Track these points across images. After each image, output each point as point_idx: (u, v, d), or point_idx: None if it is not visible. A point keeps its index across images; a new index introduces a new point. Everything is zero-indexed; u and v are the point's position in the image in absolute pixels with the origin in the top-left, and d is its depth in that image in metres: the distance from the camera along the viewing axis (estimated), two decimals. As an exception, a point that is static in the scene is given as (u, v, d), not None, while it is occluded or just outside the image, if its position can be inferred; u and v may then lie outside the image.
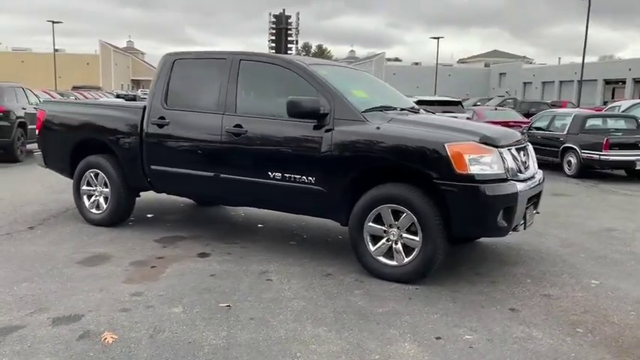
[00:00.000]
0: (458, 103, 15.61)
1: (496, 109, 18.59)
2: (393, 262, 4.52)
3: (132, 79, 78.65)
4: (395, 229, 4.49)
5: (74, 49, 69.85)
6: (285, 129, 4.92)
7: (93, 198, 6.23)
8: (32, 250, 5.18)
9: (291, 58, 5.14)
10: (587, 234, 6.49)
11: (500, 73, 71.15)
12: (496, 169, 4.34)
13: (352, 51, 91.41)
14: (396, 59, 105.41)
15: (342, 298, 4.12)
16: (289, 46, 25.91)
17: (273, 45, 25.77)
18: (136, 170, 5.83)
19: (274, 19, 25.69)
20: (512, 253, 5.55)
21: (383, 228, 4.53)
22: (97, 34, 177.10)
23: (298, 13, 25.40)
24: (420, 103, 14.90)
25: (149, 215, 6.80)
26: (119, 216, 6.14)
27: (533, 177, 4.93)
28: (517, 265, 5.15)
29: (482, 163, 4.28)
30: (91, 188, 6.22)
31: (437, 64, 54.27)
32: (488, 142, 4.38)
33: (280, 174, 4.95)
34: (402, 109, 5.25)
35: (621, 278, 4.83)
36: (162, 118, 5.62)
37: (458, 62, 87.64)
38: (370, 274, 4.60)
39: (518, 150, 4.79)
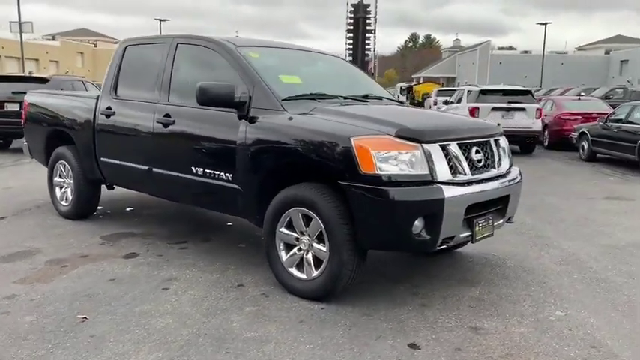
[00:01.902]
0: (527, 93, 14.05)
1: (579, 98, 16.60)
2: (304, 276, 3.86)
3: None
4: (306, 237, 3.83)
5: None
6: (208, 120, 4.41)
7: (62, 190, 6.13)
8: (-28, 242, 5.12)
9: (221, 40, 4.60)
10: (606, 248, 5.34)
11: (622, 61, 64.62)
12: (416, 170, 3.53)
13: (457, 40, 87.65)
14: (510, 48, 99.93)
15: (222, 317, 3.55)
16: (367, 35, 25.07)
17: (351, 35, 25.09)
18: (90, 162, 5.62)
19: (352, 9, 24.99)
20: (484, 269, 4.63)
21: (295, 235, 3.89)
22: (211, 31, 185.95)
23: (377, 1, 24.38)
24: (484, 92, 13.69)
25: (128, 209, 6.60)
26: (82, 209, 5.97)
27: (494, 178, 4.02)
28: (477, 285, 4.25)
29: (397, 162, 3.50)
30: (61, 180, 6.11)
31: (543, 51, 50.37)
32: (407, 135, 3.57)
33: (202, 169, 4.45)
34: (351, 99, 4.52)
35: (599, 310, 3.80)
36: (109, 108, 5.35)
37: (576, 50, 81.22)
38: (284, 287, 3.98)
39: (472, 145, 3.91)
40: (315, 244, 3.76)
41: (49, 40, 60.29)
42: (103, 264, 4.56)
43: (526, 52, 71.01)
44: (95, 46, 66.33)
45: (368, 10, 24.24)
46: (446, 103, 16.62)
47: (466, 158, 3.83)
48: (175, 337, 3.25)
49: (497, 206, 4.13)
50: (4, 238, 5.29)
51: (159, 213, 6.44)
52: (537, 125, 13.49)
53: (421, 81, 53.82)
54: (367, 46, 24.78)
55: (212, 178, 4.38)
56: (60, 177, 6.13)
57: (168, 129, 4.70)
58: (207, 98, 4.08)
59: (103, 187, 5.95)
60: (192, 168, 4.51)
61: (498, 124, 4.63)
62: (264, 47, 4.85)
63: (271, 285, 4.06)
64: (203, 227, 5.83)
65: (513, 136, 13.31)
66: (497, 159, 4.13)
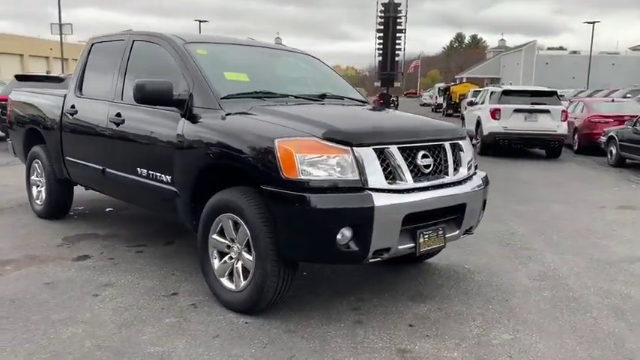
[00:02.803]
0: (552, 94, 13.32)
1: (613, 100, 15.70)
2: (233, 287, 3.62)
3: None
4: (237, 246, 3.58)
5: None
6: (152, 119, 4.23)
7: (37, 189, 6.08)
8: None
9: (171, 36, 4.40)
10: (595, 263, 4.87)
11: (679, 61, 61.59)
12: (345, 175, 3.22)
13: (502, 40, 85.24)
14: (560, 48, 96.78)
15: (135, 328, 3.34)
16: (398, 35, 24.53)
17: (381, 35, 24.60)
18: (58, 161, 5.54)
19: (382, 8, 24.53)
20: (446, 283, 4.27)
21: (227, 243, 3.64)
22: (252, 32, 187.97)
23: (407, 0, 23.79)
24: (506, 93, 13.12)
25: (108, 209, 6.51)
26: (54, 209, 5.90)
27: (445, 185, 3.67)
28: (429, 300, 3.91)
29: (323, 166, 3.20)
30: (37, 179, 6.07)
31: (591, 51, 48.34)
32: (336, 138, 3.27)
33: (146, 171, 4.28)
34: (303, 98, 4.24)
35: (554, 335, 3.40)
36: (73, 106, 5.25)
37: (630, 50, 77.80)
38: (216, 298, 3.75)
39: (419, 149, 3.57)
40: (244, 253, 3.51)
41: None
42: (49, 266, 4.44)
43: (575, 52, 68.57)
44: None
45: (399, 9, 23.71)
46: (470, 104, 16.05)
47: (410, 163, 3.50)
48: (74, 349, 3.06)
49: (450, 216, 3.77)
50: (-31, 236, 5.26)
51: (136, 214, 6.31)
52: (563, 128, 12.80)
53: (464, 81, 52.66)
54: (398, 46, 24.23)
55: (154, 180, 4.20)
56: (36, 176, 6.08)
57: (119, 128, 4.54)
58: (144, 96, 3.89)
59: (82, 187, 5.83)
60: (137, 169, 4.34)
61: (462, 126, 4.24)
62: (217, 44, 4.63)
63: (206, 295, 3.83)
64: (173, 230, 5.65)
65: (537, 140, 12.73)
66: (451, 164, 3.77)
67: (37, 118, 5.83)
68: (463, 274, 4.49)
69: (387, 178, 3.36)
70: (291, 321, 3.48)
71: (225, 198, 3.55)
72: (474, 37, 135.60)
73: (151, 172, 4.22)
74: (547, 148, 13.17)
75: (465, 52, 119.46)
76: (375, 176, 3.30)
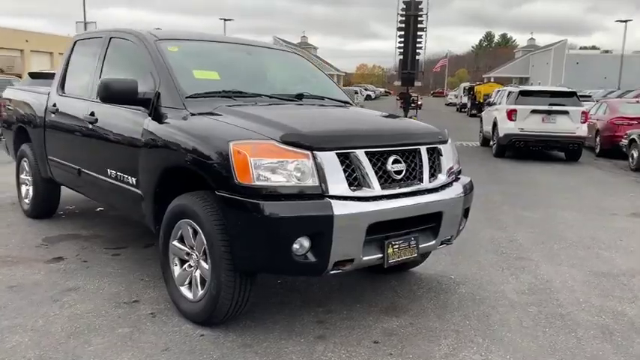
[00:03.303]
0: (572, 95, 12.82)
1: (638, 101, 15.08)
2: (191, 296, 3.45)
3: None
4: (195, 253, 3.41)
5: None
6: (121, 119, 4.08)
7: (26, 188, 6.02)
8: None
9: (143, 32, 4.24)
10: (593, 276, 4.57)
11: None
12: (304, 181, 3.02)
13: (532, 39, 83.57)
14: (593, 47, 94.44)
15: (84, 338, 3.19)
16: (419, 34, 24.09)
17: (402, 34, 24.19)
18: (42, 160, 5.45)
19: (404, 6, 24.09)
20: (425, 296, 4.03)
21: (186, 249, 3.47)
22: (279, 31, 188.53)
23: (429, -2, 23.34)
24: (524, 94, 12.71)
25: (99, 209, 6.42)
26: (40, 208, 5.83)
27: (418, 193, 3.43)
28: (403, 315, 3.68)
29: (279, 171, 3.00)
30: (26, 178, 6.01)
31: (623, 50, 46.98)
32: (295, 141, 3.07)
33: (115, 172, 4.14)
34: (278, 98, 4.05)
35: (528, 356, 3.13)
36: (54, 105, 5.15)
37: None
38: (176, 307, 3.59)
39: (390, 154, 3.34)
40: (202, 262, 3.34)
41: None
42: (19, 268, 4.34)
43: (607, 51, 66.85)
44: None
45: (420, 7, 23.29)
46: (488, 104, 15.64)
47: (379, 169, 3.28)
48: (14, 360, 2.92)
49: (425, 225, 3.54)
50: (-49, 235, 5.21)
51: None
52: (582, 130, 12.32)
53: (491, 81, 51.73)
54: (418, 45, 23.80)
55: (121, 182, 4.07)
56: (25, 175, 6.03)
57: (92, 127, 4.42)
58: (108, 95, 3.75)
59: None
60: (107, 170, 4.22)
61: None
62: (194, 41, 4.46)
63: (167, 303, 3.67)
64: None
65: (555, 142, 12.31)
66: (426, 170, 3.53)
67: (25, 116, 5.77)
68: (447, 286, 4.24)
69: (351, 184, 3.15)
70: (250, 334, 3.30)
71: (183, 203, 3.38)
72: (503, 36, 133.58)
73: (119, 174, 4.09)
74: (566, 150, 12.70)
75: (494, 52, 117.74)
76: (337, 183, 3.09)
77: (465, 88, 42.98)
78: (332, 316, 3.59)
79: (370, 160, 3.24)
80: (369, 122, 3.84)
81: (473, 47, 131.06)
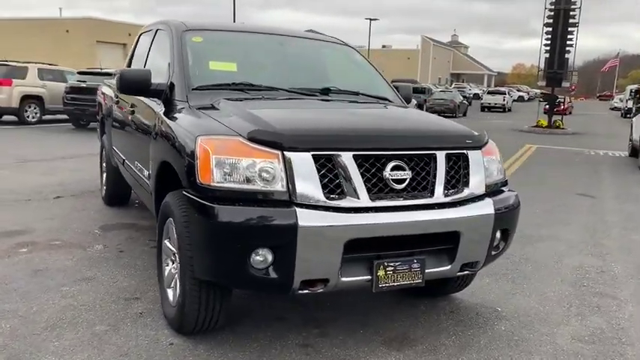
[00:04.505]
0: None
1: None
2: (172, 299, 3.23)
3: (451, 73, 79.00)
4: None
5: (408, 45, 73.75)
6: (148, 109, 4.00)
7: (104, 176, 6.32)
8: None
9: (173, 23, 4.12)
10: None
11: None
12: (271, 185, 2.64)
13: None
14: None
15: (59, 332, 3.12)
16: (569, 29, 21.73)
17: (549, 30, 22.03)
18: (110, 149, 5.66)
19: (553, 0, 21.92)
20: (454, 329, 3.41)
21: (174, 250, 3.26)
22: (437, 31, 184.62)
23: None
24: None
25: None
26: (112, 195, 6.06)
27: (425, 207, 2.86)
28: (407, 348, 3.11)
29: (244, 172, 2.65)
30: (104, 166, 6.31)
31: None
32: (264, 138, 2.69)
33: (139, 164, 4.11)
34: (296, 92, 3.66)
35: None
36: (116, 96, 5.29)
37: None
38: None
39: (390, 159, 2.82)
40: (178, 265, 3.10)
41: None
42: (57, 253, 4.48)
43: None
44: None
45: (573, 0, 21.15)
46: (638, 110, 13.60)
47: (373, 176, 2.77)
48: (-20, 346, 2.93)
49: (436, 246, 2.95)
50: (30, 215, 5.59)
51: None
52: None
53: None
54: (569, 41, 21.60)
55: (141, 173, 4.01)
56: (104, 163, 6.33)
57: (130, 119, 4.42)
58: (123, 85, 3.66)
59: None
60: (135, 161, 4.18)
61: (479, 132, 3.28)
62: (221, 31, 4.23)
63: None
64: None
65: None
66: (441, 180, 2.93)
67: (102, 109, 6.04)
68: (485, 320, 3.56)
69: (332, 192, 2.69)
70: (221, 350, 2.99)
71: (167, 201, 3.17)
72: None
73: (140, 166, 4.03)
74: None
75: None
76: (310, 189, 2.65)
77: (631, 91, 38.40)
78: (321, 341, 3.14)
79: (361, 166, 2.75)
80: (371, 122, 3.29)
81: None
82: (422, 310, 3.67)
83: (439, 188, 2.92)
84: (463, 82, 72.28)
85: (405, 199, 2.85)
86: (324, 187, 2.67)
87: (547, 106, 23.31)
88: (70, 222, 5.42)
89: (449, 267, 3.00)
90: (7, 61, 15.77)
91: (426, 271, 2.91)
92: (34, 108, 15.16)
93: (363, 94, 3.95)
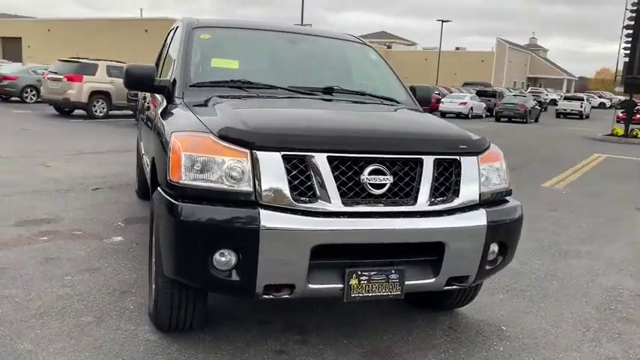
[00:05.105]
0: None
1: None
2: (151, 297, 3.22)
3: (528, 77, 75.88)
4: (164, 251, 3.17)
5: (483, 48, 71.80)
6: (156, 105, 4.05)
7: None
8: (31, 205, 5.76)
9: (188, 19, 4.13)
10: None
11: None
12: (236, 184, 2.56)
13: None
14: None
15: (45, 320, 3.18)
16: (653, 32, 20.28)
17: (630, 32, 20.63)
18: (139, 143, 5.79)
19: (636, 1, 20.51)
20: (447, 346, 3.19)
21: (160, 246, 3.26)
22: (513, 32, 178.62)
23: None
24: None
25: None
26: (141, 189, 6.20)
27: (416, 214, 2.70)
28: (368, 343, 2.94)
29: (213, 171, 2.58)
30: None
31: None
32: (233, 136, 2.61)
33: (147, 159, 4.13)
34: (294, 91, 3.55)
35: None
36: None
37: None
38: (155, 305, 3.40)
39: (369, 162, 2.67)
40: (160, 261, 3.08)
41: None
42: (75, 243, 4.61)
43: None
44: (389, 47, 69.92)
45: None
46: None
47: (349, 179, 2.63)
48: (-33, 329, 3.03)
49: (418, 257, 2.77)
50: (63, 204, 5.82)
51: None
52: None
53: None
54: (652, 45, 20.18)
55: (147, 170, 4.03)
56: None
57: (146, 114, 4.50)
58: (129, 81, 3.70)
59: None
60: (144, 156, 4.25)
61: (477, 137, 3.05)
62: (231, 28, 4.19)
63: (152, 299, 3.51)
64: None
65: None
66: (427, 187, 2.74)
67: (139, 103, 6.20)
68: (484, 338, 3.32)
69: (302, 194, 2.58)
70: (192, 350, 2.94)
71: (152, 198, 3.17)
72: None
73: (147, 160, 4.07)
74: None
75: None
76: (278, 191, 2.55)
77: None
78: (299, 349, 3.03)
79: (337, 168, 2.62)
80: (355, 123, 3.11)
81: None
82: (418, 323, 3.47)
83: (423, 195, 2.73)
84: (540, 86, 69.34)
85: (385, 205, 2.69)
86: (294, 188, 2.57)
87: (621, 114, 21.93)
88: (98, 213, 5.58)
89: (433, 280, 2.80)
90: (79, 58, 16.64)
91: (406, 283, 2.74)
92: (102, 103, 15.88)
93: (369, 95, 3.80)
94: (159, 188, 2.79)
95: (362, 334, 3.25)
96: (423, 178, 2.75)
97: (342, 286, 2.65)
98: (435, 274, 2.80)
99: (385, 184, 2.68)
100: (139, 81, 3.65)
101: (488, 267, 2.96)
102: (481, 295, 3.97)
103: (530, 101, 31.08)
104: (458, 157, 2.87)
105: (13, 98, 19.96)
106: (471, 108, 30.08)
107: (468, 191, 2.85)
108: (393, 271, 2.71)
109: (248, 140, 2.58)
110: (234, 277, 2.56)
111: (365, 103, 3.68)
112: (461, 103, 29.95)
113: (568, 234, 5.98)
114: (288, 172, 2.56)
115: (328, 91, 3.67)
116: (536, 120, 31.13)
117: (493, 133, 20.63)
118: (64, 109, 16.51)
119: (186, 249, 2.58)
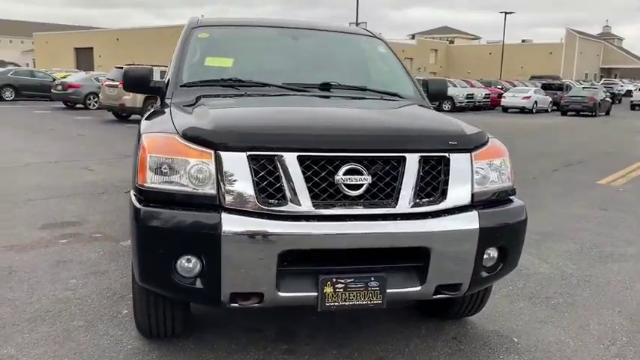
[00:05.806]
0: None
1: None
2: (140, 302, 3.16)
3: (601, 68, 71.82)
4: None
5: (552, 39, 68.76)
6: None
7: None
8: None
9: (194, 18, 4.06)
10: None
11: None
12: (200, 187, 2.42)
13: None
14: None
15: (33, 325, 3.19)
16: None
17: None
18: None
19: None
20: (447, 359, 2.94)
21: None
22: (585, 22, 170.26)
23: None
24: None
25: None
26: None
27: (398, 217, 2.49)
28: (359, 354, 2.73)
29: (177, 173, 2.46)
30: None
31: None
32: (198, 137, 2.48)
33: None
34: (287, 88, 3.39)
35: None
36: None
37: None
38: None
39: (344, 162, 2.47)
40: (147, 266, 3.01)
41: (410, 39, 65.04)
42: (91, 246, 4.66)
43: None
44: (451, 42, 68.34)
45: None
46: None
47: (323, 180, 2.45)
48: (-40, 332, 3.08)
49: (401, 263, 2.55)
50: (92, 207, 5.93)
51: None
52: None
53: None
54: None
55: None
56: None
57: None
58: (126, 82, 3.68)
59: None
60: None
61: (472, 130, 2.77)
62: (231, 26, 4.07)
63: (148, 303, 3.45)
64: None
65: None
66: (410, 187, 2.51)
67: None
68: (490, 351, 3.04)
69: (271, 196, 2.42)
70: (173, 357, 2.85)
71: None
72: None
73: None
74: None
75: None
76: (242, 193, 2.40)
77: None
78: (282, 359, 2.87)
79: (308, 168, 2.44)
80: (332, 119, 2.88)
81: None
82: (420, 333, 3.23)
83: (405, 197, 2.51)
84: (615, 77, 65.62)
85: (364, 207, 2.49)
86: (262, 190, 2.41)
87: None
88: (123, 216, 5.63)
89: (419, 288, 2.57)
90: (134, 64, 17.17)
91: (389, 291, 2.52)
92: (156, 108, 16.29)
93: (370, 90, 3.58)
94: (130, 192, 2.71)
95: (354, 345, 3.05)
96: (405, 178, 2.52)
97: (316, 294, 2.47)
98: (422, 282, 2.56)
99: (362, 185, 2.48)
100: (135, 82, 3.62)
101: (485, 274, 2.69)
102: (500, 302, 3.70)
103: (599, 93, 29.43)
104: (447, 154, 2.62)
105: (78, 105, 20.91)
106: (535, 102, 28.83)
107: (458, 191, 2.60)
108: (373, 279, 2.50)
109: (212, 140, 2.45)
110: (199, 284, 2.43)
111: (364, 98, 3.47)
112: (524, 97, 28.79)
113: (615, 235, 5.50)
114: (256, 173, 2.41)
115: (325, 87, 3.48)
116: (607, 113, 29.42)
117: (555, 128, 19.63)
118: (122, 115, 17.08)
119: (149, 255, 2.48)
